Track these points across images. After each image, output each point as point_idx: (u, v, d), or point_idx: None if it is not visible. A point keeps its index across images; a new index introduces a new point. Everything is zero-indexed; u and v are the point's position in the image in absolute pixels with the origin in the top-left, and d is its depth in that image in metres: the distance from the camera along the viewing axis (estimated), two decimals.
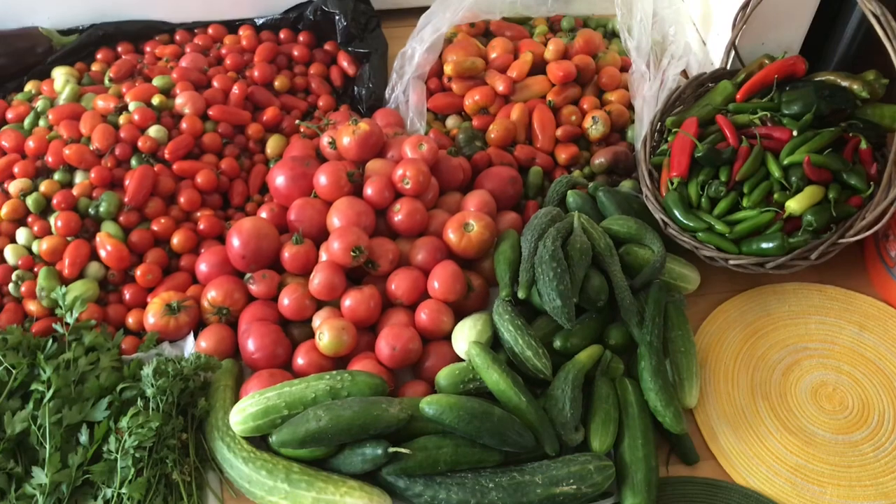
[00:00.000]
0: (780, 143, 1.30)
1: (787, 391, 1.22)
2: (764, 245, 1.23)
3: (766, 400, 1.21)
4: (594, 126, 1.45)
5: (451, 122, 1.52)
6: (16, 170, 1.34)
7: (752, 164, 1.28)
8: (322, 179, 1.29)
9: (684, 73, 1.53)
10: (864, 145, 1.30)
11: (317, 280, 1.20)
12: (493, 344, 1.18)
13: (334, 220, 1.25)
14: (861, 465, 1.14)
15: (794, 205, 1.23)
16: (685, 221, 1.27)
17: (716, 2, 1.52)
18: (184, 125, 1.42)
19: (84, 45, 1.59)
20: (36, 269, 1.26)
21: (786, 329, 1.29)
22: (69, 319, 1.19)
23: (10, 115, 1.45)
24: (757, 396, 1.21)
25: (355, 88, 1.56)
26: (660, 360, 1.16)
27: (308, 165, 1.32)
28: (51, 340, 1.16)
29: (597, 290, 1.19)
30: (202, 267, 1.28)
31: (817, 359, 1.25)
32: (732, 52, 1.46)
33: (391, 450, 1.03)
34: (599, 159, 1.42)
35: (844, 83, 1.37)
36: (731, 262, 1.24)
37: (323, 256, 1.24)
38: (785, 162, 1.27)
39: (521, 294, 1.17)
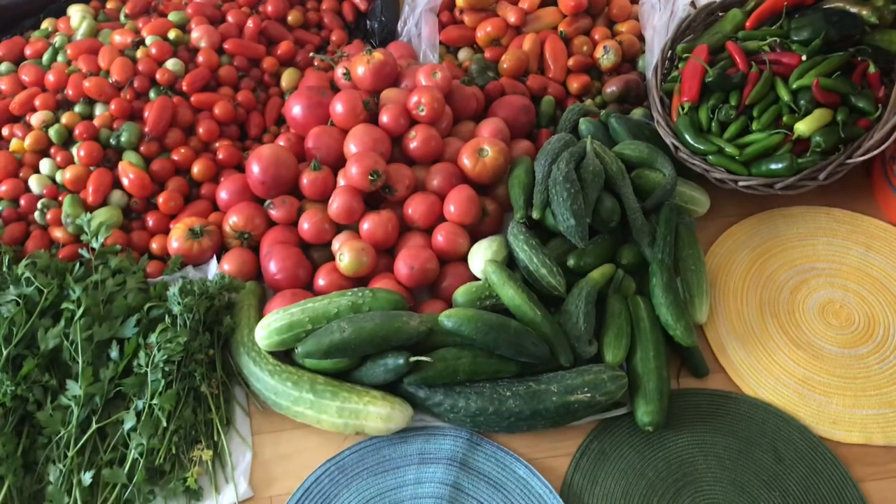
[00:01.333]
0: (789, 68, 1.32)
1: (795, 308, 1.25)
2: (773, 166, 1.25)
3: (774, 317, 1.24)
4: (605, 56, 1.47)
5: (464, 54, 1.53)
6: (37, 102, 1.36)
7: (761, 88, 1.30)
8: (338, 107, 1.31)
9: (693, 3, 1.54)
10: (872, 69, 1.32)
11: (336, 204, 1.23)
12: (509, 264, 1.21)
13: (351, 147, 1.28)
14: (866, 377, 1.17)
15: (802, 127, 1.25)
16: (696, 145, 1.29)
17: None
18: (200, 58, 1.44)
19: None
20: (60, 198, 1.29)
21: (794, 250, 1.32)
22: (95, 245, 1.22)
23: (28, 51, 1.47)
24: (766, 313, 1.24)
25: (367, 22, 1.58)
26: (671, 277, 1.19)
27: (324, 95, 1.35)
28: (78, 264, 1.20)
29: (609, 212, 1.22)
30: (222, 194, 1.30)
31: (825, 278, 1.28)
32: None
33: (412, 359, 1.06)
34: (611, 88, 1.44)
35: (853, 9, 1.38)
36: (741, 183, 1.27)
37: (341, 182, 1.27)
38: (794, 86, 1.29)
39: (535, 215, 1.20)
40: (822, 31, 1.34)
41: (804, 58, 1.32)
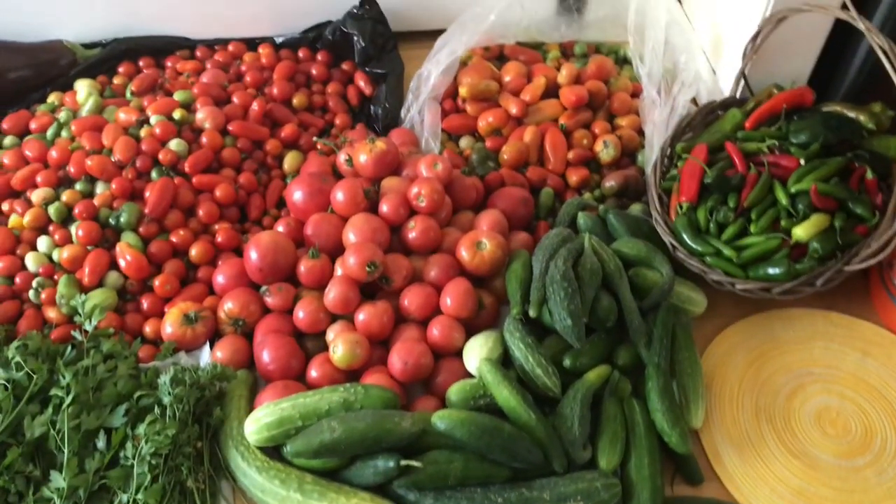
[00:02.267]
0: (787, 171, 1.33)
1: (791, 415, 1.24)
2: (770, 271, 1.26)
3: (770, 423, 1.23)
4: (605, 150, 1.48)
5: (465, 142, 1.55)
6: (38, 179, 1.37)
7: (759, 191, 1.31)
8: (339, 195, 1.31)
9: (694, 100, 1.56)
10: (869, 175, 1.33)
11: (332, 294, 1.23)
12: (504, 361, 1.20)
13: (350, 236, 1.28)
14: (863, 491, 1.16)
15: (800, 232, 1.26)
16: (694, 245, 1.30)
17: (726, 32, 1.56)
18: (204, 139, 1.45)
19: (107, 58, 1.63)
20: (56, 277, 1.29)
21: (791, 354, 1.31)
22: (88, 327, 1.21)
23: (33, 125, 1.49)
24: (761, 419, 1.23)
25: (371, 108, 1.59)
26: (667, 381, 1.18)
27: (325, 181, 1.35)
28: (70, 347, 1.19)
29: (606, 311, 1.22)
30: (219, 279, 1.30)
31: (821, 384, 1.27)
32: (742, 82, 1.49)
33: (403, 463, 1.05)
34: (610, 182, 1.45)
35: (851, 114, 1.40)
36: (739, 286, 1.27)
37: (338, 271, 1.27)
38: (792, 190, 1.30)
39: (532, 313, 1.19)
40: (821, 135, 1.35)
41: (802, 162, 1.33)
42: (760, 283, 1.26)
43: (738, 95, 1.51)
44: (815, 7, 1.30)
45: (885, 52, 1.19)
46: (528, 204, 1.41)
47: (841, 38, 1.45)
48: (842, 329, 1.34)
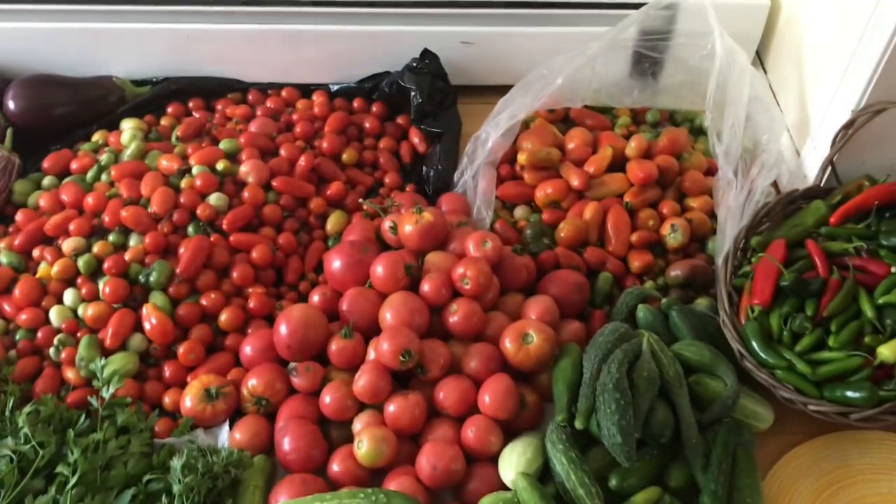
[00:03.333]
0: (875, 279, 1.20)
1: None
2: (850, 394, 1.12)
3: None
4: (673, 234, 1.36)
5: (520, 212, 1.44)
6: (71, 227, 1.31)
7: (842, 300, 1.18)
8: (378, 270, 1.23)
9: (775, 184, 1.43)
10: None
11: (361, 382, 1.14)
12: (544, 471, 1.10)
13: (387, 316, 1.19)
14: None
15: (886, 352, 1.13)
16: (764, 356, 1.17)
17: (815, 115, 1.42)
18: (245, 194, 1.38)
19: (156, 97, 1.58)
20: (79, 335, 1.23)
21: (865, 485, 1.17)
22: (105, 394, 1.14)
23: (74, 165, 1.44)
24: None
25: (424, 168, 1.50)
26: None
27: (366, 252, 1.27)
28: (84, 416, 1.12)
29: (661, 425, 1.10)
30: (247, 350, 1.23)
31: None
32: (829, 169, 1.36)
33: None
34: (676, 272, 1.33)
35: None
36: (812, 407, 1.14)
37: (371, 354, 1.18)
38: (880, 301, 1.17)
39: (578, 425, 1.08)
40: None
41: (894, 269, 1.19)
42: (837, 406, 1.13)
43: (822, 184, 1.37)
44: None
45: None
46: (584, 290, 1.30)
47: None
48: None
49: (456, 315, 1.20)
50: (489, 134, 1.46)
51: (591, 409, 1.09)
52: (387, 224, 1.33)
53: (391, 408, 1.13)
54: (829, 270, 1.21)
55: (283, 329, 1.19)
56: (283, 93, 1.61)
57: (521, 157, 1.45)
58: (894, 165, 1.37)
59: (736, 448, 1.14)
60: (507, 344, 1.18)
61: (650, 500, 1.07)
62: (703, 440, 1.12)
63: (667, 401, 1.14)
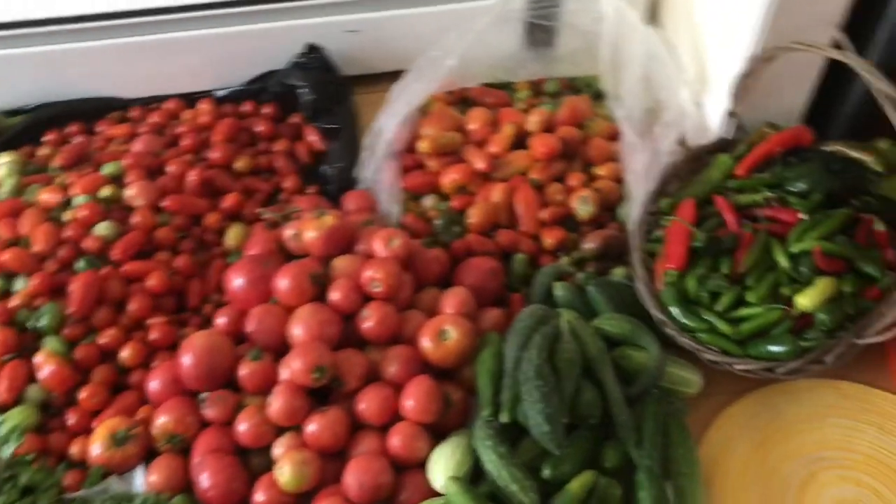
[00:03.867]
0: (786, 228, 1.18)
1: None
2: (773, 348, 1.11)
3: None
4: (583, 207, 1.33)
5: (429, 201, 1.39)
6: None
7: (756, 254, 1.16)
8: (282, 283, 1.17)
9: (682, 140, 1.41)
10: (878, 227, 1.18)
11: (275, 405, 1.08)
12: (475, 470, 1.06)
13: (296, 331, 1.13)
14: None
15: (804, 301, 1.11)
16: (684, 321, 1.15)
17: (712, 65, 1.40)
18: (135, 219, 1.30)
19: (31, 126, 1.48)
20: None
21: (800, 435, 1.16)
22: (4, 455, 1.07)
23: None
24: None
25: (325, 167, 1.44)
26: (660, 488, 1.04)
27: (267, 266, 1.21)
28: None
29: (589, 406, 1.08)
30: (153, 385, 1.15)
31: (835, 470, 1.13)
32: (732, 121, 1.34)
33: None
34: (589, 244, 1.30)
35: (855, 154, 1.26)
36: (738, 366, 1.12)
37: (283, 374, 1.12)
38: (793, 250, 1.15)
39: (504, 418, 1.05)
40: (822, 182, 1.21)
41: (803, 216, 1.18)
42: (762, 362, 1.12)
43: (727, 135, 1.35)
44: (809, 47, 1.15)
45: (889, 99, 1.03)
46: (498, 276, 1.26)
47: (837, 69, 1.29)
48: (855, 401, 1.19)
49: (369, 320, 1.15)
50: (387, 125, 1.41)
51: (515, 400, 1.06)
52: (289, 232, 1.27)
53: (311, 427, 1.08)
54: (740, 225, 1.19)
55: (186, 359, 1.12)
56: (167, 105, 1.53)
57: (423, 145, 1.40)
58: (794, 109, 1.36)
59: (667, 418, 1.12)
60: (425, 343, 1.14)
61: (585, 485, 1.04)
62: (633, 415, 1.10)
63: (592, 379, 1.11)
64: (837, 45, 1.16)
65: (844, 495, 1.11)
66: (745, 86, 1.27)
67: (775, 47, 1.20)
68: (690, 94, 1.44)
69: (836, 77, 1.31)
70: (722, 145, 1.34)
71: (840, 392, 1.20)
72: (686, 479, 1.07)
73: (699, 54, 1.44)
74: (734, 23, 1.29)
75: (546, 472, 1.05)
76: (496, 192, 1.35)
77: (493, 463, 1.03)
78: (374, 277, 1.16)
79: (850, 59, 1.10)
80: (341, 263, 1.21)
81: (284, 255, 1.27)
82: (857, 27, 1.22)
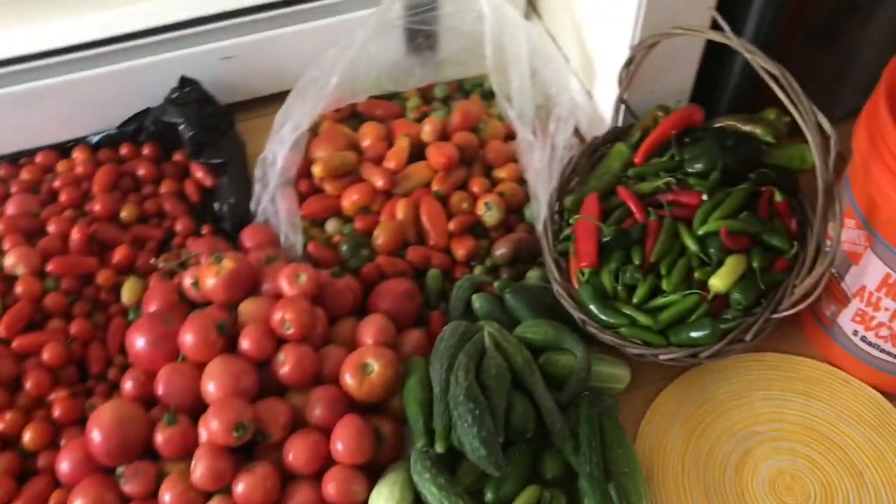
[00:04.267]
0: (690, 210, 1.19)
1: (743, 490, 1.11)
2: (694, 334, 1.11)
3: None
4: (489, 213, 1.31)
5: (332, 226, 1.35)
6: None
7: (665, 241, 1.16)
8: (188, 339, 1.10)
9: (579, 134, 1.40)
10: (778, 197, 1.20)
11: (199, 470, 1.02)
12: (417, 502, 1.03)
13: (210, 388, 1.07)
14: None
15: (717, 282, 1.12)
16: (604, 318, 1.14)
17: (597, 55, 1.40)
18: (19, 290, 1.21)
19: None
20: None
21: (730, 414, 1.18)
22: None
23: None
24: (713, 502, 1.10)
25: (216, 205, 1.37)
26: (604, 492, 1.03)
27: (169, 322, 1.14)
28: None
29: (522, 420, 1.06)
30: (63, 467, 1.07)
31: (768, 444, 1.15)
32: (623, 108, 1.34)
33: None
34: (501, 250, 1.28)
35: (746, 128, 1.27)
36: (662, 357, 1.12)
37: (203, 434, 1.06)
38: (699, 232, 1.16)
39: (439, 448, 1.02)
40: (718, 159, 1.22)
41: (705, 197, 1.19)
42: (686, 349, 1.12)
43: (620, 123, 1.35)
44: (688, 31, 1.15)
45: (775, 79, 1.04)
46: (414, 297, 1.22)
47: (718, 46, 1.30)
48: (779, 372, 1.22)
49: (286, 365, 1.10)
50: (276, 153, 1.35)
51: (448, 427, 1.03)
52: (188, 281, 1.20)
53: (240, 488, 1.02)
54: (645, 214, 1.19)
55: (96, 434, 1.05)
56: (38, 158, 1.42)
57: (317, 169, 1.35)
58: (682, 90, 1.37)
59: (601, 418, 1.11)
60: (348, 380, 1.09)
61: (530, 502, 1.02)
62: (567, 421, 1.08)
63: (522, 390, 1.09)
64: (716, 26, 1.16)
65: (781, 466, 1.13)
66: (631, 73, 1.27)
67: (656, 34, 1.20)
68: (579, 85, 1.44)
69: (717, 54, 1.33)
70: (617, 134, 1.33)
71: (764, 364, 1.22)
72: (628, 478, 1.06)
73: (583, 45, 1.43)
74: (613, 11, 1.29)
75: (489, 497, 1.03)
76: (400, 209, 1.31)
77: (434, 495, 1.00)
78: (284, 319, 1.11)
79: (729, 38, 1.11)
80: (248, 308, 1.15)
81: (186, 305, 1.20)
82: (731, 4, 1.24)
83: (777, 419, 1.17)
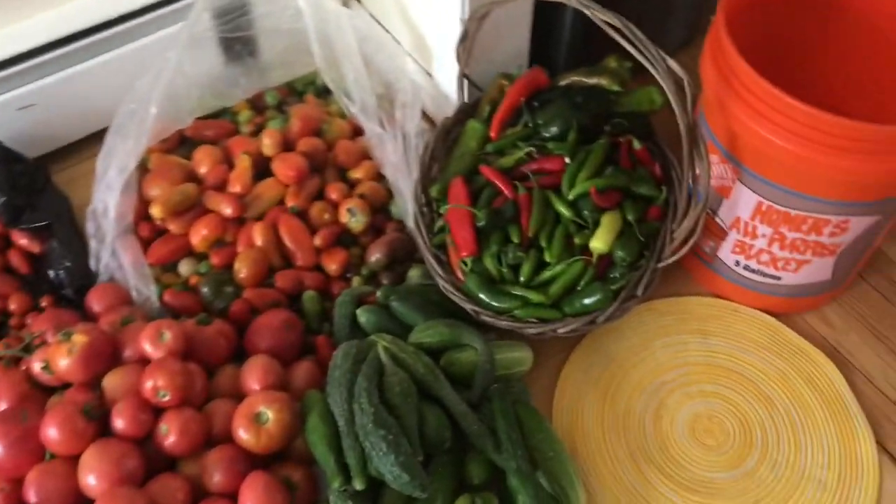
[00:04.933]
0: (556, 176, 1.16)
1: (666, 442, 1.10)
2: (587, 301, 1.09)
3: (650, 462, 1.09)
4: (354, 218, 1.23)
5: (186, 268, 1.23)
6: None
7: (538, 214, 1.12)
8: (52, 433, 0.97)
9: (428, 117, 1.34)
10: (637, 145, 1.19)
11: None
12: None
13: (89, 481, 0.95)
14: (768, 496, 1.05)
15: (598, 244, 1.10)
16: (496, 304, 1.10)
17: (429, 32, 1.34)
18: None
19: None
20: None
21: (636, 369, 1.17)
22: None
23: None
24: (640, 462, 1.09)
25: (50, 272, 1.22)
26: (535, 484, 0.99)
27: (26, 418, 1.00)
28: None
29: (438, 431, 1.00)
30: None
31: (679, 391, 1.15)
32: (466, 84, 1.29)
33: None
34: (375, 255, 1.21)
35: (591, 80, 1.25)
36: (561, 330, 1.09)
37: None
38: (570, 197, 1.13)
39: (358, 485, 0.95)
40: (571, 118, 1.19)
41: (567, 160, 1.16)
42: (582, 317, 1.09)
43: (466, 99, 1.30)
44: None
45: (619, 31, 1.01)
46: (294, 327, 1.13)
47: (545, 5, 1.27)
48: (672, 316, 1.22)
49: (170, 435, 0.99)
50: (105, 201, 1.21)
51: (363, 459, 0.96)
52: (37, 366, 1.06)
53: None
54: (514, 189, 1.15)
55: None
56: None
57: (155, 210, 1.22)
58: (519, 52, 1.34)
59: (515, 407, 1.07)
60: (242, 434, 1.00)
61: None
62: (482, 419, 1.04)
63: (431, 399, 1.04)
64: None
65: (696, 410, 1.13)
66: (468, 47, 1.22)
67: (486, 3, 1.15)
68: (417, 66, 1.38)
69: (546, 13, 1.30)
70: (467, 111, 1.28)
71: (657, 311, 1.22)
72: (554, 462, 1.03)
73: (412, 25, 1.37)
74: None
75: None
76: (257, 234, 1.21)
77: None
78: (157, 386, 0.99)
79: None
80: (113, 382, 1.03)
81: (41, 393, 1.06)
82: None
83: (681, 364, 1.17)
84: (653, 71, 0.97)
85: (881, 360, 1.17)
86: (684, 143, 0.99)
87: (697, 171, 1.04)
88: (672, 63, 0.97)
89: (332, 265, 1.21)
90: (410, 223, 1.21)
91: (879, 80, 1.20)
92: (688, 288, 1.25)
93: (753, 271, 1.15)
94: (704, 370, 1.16)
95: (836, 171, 0.95)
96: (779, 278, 1.15)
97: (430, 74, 1.38)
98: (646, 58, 0.97)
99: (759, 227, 1.09)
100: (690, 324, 1.21)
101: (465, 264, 1.12)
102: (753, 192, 1.05)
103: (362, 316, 1.13)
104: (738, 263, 1.16)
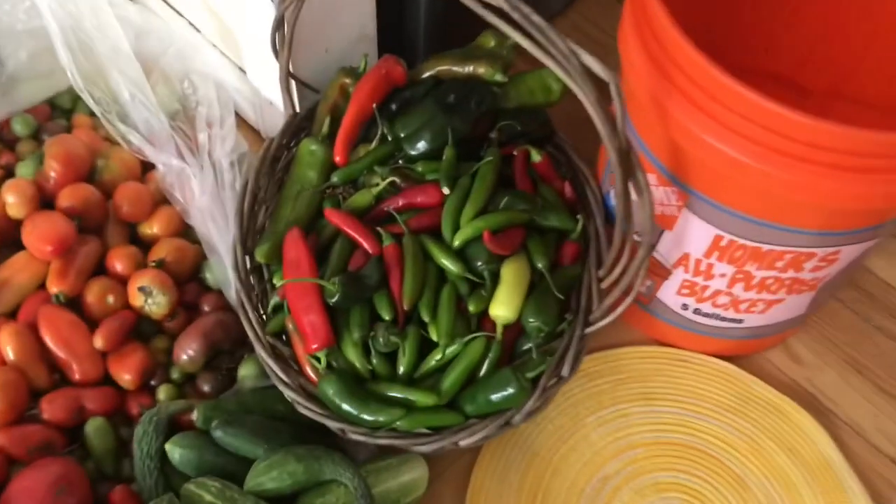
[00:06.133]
0: (434, 214, 0.83)
1: None
2: (494, 397, 0.76)
3: None
4: (150, 300, 0.86)
5: None
6: None
7: (414, 274, 0.79)
8: None
9: (250, 129, 0.97)
10: (536, 157, 0.88)
11: None
12: None
13: None
14: None
15: (501, 311, 0.78)
16: (368, 417, 0.76)
17: (233, 19, 0.95)
18: None
19: None
20: None
21: (566, 463, 0.86)
22: None
23: None
24: None
25: None
26: None
27: None
28: None
29: None
30: None
31: (625, 487, 0.85)
32: (293, 85, 0.92)
33: None
34: (187, 352, 0.84)
35: (465, 69, 0.92)
36: (464, 442, 0.77)
37: None
38: (455, 244, 0.80)
39: None
40: (444, 127, 0.86)
41: (445, 189, 0.82)
42: (492, 419, 0.77)
43: (297, 108, 0.94)
44: None
45: (494, 9, 0.67)
46: (73, 483, 0.76)
47: None
48: (604, 378, 0.92)
49: None
50: None
51: None
52: None
53: None
54: (376, 240, 0.81)
55: None
56: None
57: None
58: (362, 35, 0.97)
59: None
60: None
61: None
62: None
63: None
64: None
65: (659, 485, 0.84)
66: (289, 36, 0.85)
67: None
68: (227, 62, 1.00)
69: None
70: (299, 127, 0.92)
71: (586, 374, 0.92)
72: None
73: (212, 7, 0.98)
74: None
75: None
76: (7, 343, 0.82)
77: None
78: None
79: None
80: None
81: None
82: None
83: (624, 447, 0.87)
84: (560, 73, 0.63)
85: (869, 404, 0.92)
86: (617, 173, 0.67)
87: (634, 200, 0.72)
88: (588, 58, 0.63)
89: (126, 374, 0.83)
90: (231, 292, 0.85)
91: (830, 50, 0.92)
92: (620, 335, 0.94)
93: (707, 315, 0.86)
94: (655, 452, 0.87)
95: (831, 196, 0.66)
96: (740, 321, 0.86)
97: (244, 72, 1.01)
98: (546, 52, 0.63)
99: (716, 265, 0.79)
100: (629, 386, 0.91)
101: (318, 360, 0.77)
102: (707, 222, 0.75)
103: (175, 452, 0.78)
104: (685, 307, 0.87)
